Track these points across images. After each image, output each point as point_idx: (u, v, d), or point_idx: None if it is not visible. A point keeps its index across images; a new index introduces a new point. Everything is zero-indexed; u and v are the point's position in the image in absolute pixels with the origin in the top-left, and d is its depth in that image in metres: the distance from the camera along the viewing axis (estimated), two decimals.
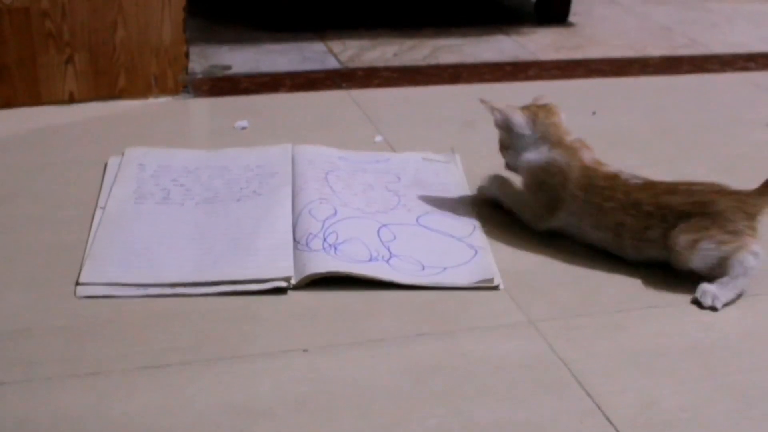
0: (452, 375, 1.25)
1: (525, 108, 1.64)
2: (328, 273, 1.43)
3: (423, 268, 1.48)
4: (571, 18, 2.78)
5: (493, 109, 1.62)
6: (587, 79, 2.36)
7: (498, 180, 1.68)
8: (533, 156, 1.59)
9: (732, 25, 2.90)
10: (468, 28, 2.68)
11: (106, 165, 1.76)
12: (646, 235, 1.48)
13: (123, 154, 1.79)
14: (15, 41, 1.97)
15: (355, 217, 1.60)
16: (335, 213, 1.60)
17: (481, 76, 2.31)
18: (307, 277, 1.42)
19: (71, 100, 2.04)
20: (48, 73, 2.01)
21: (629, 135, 2.03)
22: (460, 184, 1.76)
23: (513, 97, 2.17)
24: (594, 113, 2.12)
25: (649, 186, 1.51)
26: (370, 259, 1.48)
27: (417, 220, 1.62)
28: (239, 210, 1.61)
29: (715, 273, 1.43)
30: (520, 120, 1.61)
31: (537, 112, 1.62)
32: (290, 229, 1.55)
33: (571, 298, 1.43)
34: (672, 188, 1.50)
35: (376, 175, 1.77)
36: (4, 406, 1.15)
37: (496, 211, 1.67)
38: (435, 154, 1.86)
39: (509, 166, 1.65)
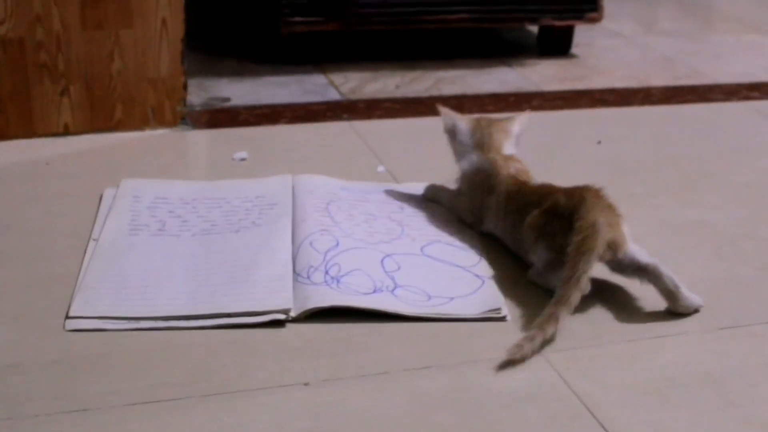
0: (459, 409, 1.19)
1: (473, 118, 1.70)
2: (330, 306, 1.38)
3: (429, 298, 1.43)
4: (574, 50, 2.75)
5: (444, 115, 1.69)
6: (591, 109, 2.32)
7: (435, 187, 1.75)
8: (466, 162, 1.66)
9: (734, 56, 2.86)
10: (470, 60, 2.65)
11: (101, 197, 1.71)
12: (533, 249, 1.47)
13: (118, 186, 1.75)
14: (8, 72, 1.93)
15: (357, 248, 1.55)
16: (337, 244, 1.54)
17: (484, 106, 2.27)
18: (308, 310, 1.37)
19: (66, 132, 1.99)
20: (42, 104, 1.97)
21: (635, 164, 1.99)
22: None
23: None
24: (599, 143, 2.08)
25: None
26: (374, 291, 1.43)
27: (421, 249, 1.57)
28: (237, 241, 1.56)
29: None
30: (462, 127, 1.67)
31: (480, 121, 1.68)
32: (290, 261, 1.50)
33: (580, 328, 1.37)
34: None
35: (379, 205, 1.72)
36: None
37: (495, 240, 1.62)
38: (439, 185, 1.81)
39: None
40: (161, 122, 2.05)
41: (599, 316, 1.41)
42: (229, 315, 1.36)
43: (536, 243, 1.47)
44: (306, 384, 1.23)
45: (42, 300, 1.40)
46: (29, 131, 1.97)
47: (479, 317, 1.39)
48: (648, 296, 1.45)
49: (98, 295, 1.39)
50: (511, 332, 1.35)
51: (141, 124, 2.04)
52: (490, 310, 1.40)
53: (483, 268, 1.52)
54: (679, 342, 1.35)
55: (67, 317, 1.34)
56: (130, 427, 1.13)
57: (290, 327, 1.35)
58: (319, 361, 1.28)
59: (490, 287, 1.46)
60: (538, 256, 1.46)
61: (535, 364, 1.29)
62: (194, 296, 1.40)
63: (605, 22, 3.01)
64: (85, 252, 1.52)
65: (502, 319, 1.39)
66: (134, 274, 1.45)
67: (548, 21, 2.60)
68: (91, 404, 1.17)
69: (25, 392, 1.19)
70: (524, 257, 1.52)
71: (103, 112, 2.01)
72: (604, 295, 1.46)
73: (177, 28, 2.00)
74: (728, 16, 3.43)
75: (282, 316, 1.36)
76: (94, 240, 1.56)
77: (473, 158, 1.64)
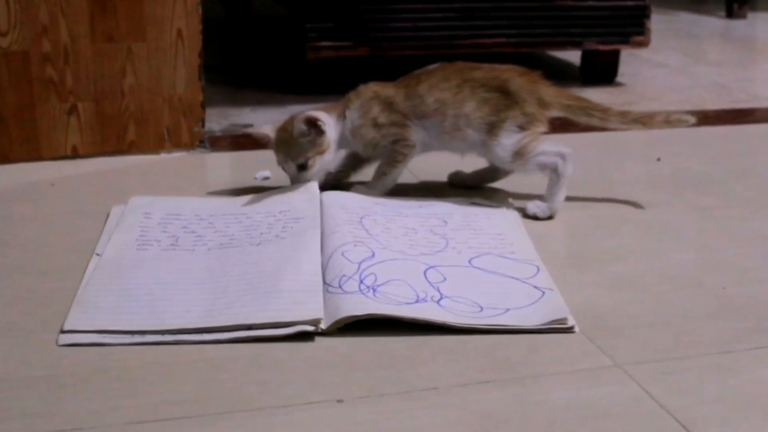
0: (527, 425, 0.98)
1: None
2: (367, 315, 1.18)
3: (481, 309, 1.22)
4: (619, 79, 2.58)
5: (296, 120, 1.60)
6: (645, 131, 2.12)
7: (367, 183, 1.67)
8: (350, 122, 1.63)
9: None
10: None
11: (108, 215, 1.54)
12: (464, 109, 1.58)
13: (127, 204, 1.57)
14: (12, 88, 1.76)
15: (396, 259, 1.35)
16: (373, 255, 1.35)
17: None
18: (341, 320, 1.17)
19: (75, 154, 1.82)
20: (49, 124, 1.80)
21: (702, 178, 1.79)
22: (517, 227, 1.52)
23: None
24: (659, 159, 1.89)
25: (453, 67, 1.62)
26: (417, 300, 1.23)
27: (470, 261, 1.37)
28: (258, 254, 1.37)
29: (515, 163, 1.59)
30: (326, 118, 1.61)
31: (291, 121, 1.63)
32: (319, 271, 1.30)
33: (663, 339, 1.17)
34: (476, 66, 1.63)
35: (419, 219, 1.53)
36: None
37: (558, 254, 1.43)
38: (485, 200, 1.63)
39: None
40: (177, 144, 1.88)
41: (682, 327, 1.20)
42: (249, 327, 1.16)
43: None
44: (339, 401, 1.03)
45: (35, 314, 1.21)
46: (34, 154, 1.79)
47: (542, 328, 1.19)
48: (735, 307, 1.25)
49: (98, 309, 1.20)
50: (579, 344, 1.15)
51: (155, 146, 1.86)
52: (554, 320, 1.19)
53: (543, 279, 1.32)
54: None
55: (62, 332, 1.16)
56: None
57: (320, 341, 1.16)
58: (355, 377, 1.08)
59: (552, 298, 1.26)
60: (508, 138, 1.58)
61: (612, 376, 1.08)
62: (209, 308, 1.20)
63: (650, 54, 2.85)
64: (86, 267, 1.34)
65: (570, 330, 1.18)
66: (141, 288, 1.26)
67: (592, 45, 2.43)
68: (83, 423, 0.97)
69: (8, 411, 1.00)
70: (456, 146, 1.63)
71: (114, 133, 1.84)
72: (684, 307, 1.26)
73: (194, 40, 1.84)
74: None
75: (311, 328, 1.16)
76: (97, 255, 1.38)
77: (352, 115, 1.63)
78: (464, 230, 1.49)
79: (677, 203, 1.66)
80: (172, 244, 1.42)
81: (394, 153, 1.62)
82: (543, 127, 1.61)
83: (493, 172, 1.69)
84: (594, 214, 1.60)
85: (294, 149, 1.60)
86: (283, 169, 1.63)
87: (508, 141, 1.58)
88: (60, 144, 1.81)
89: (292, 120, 1.62)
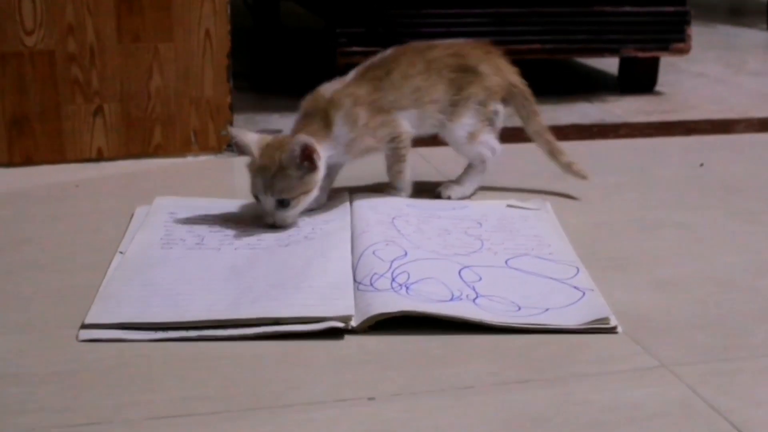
0: (573, 425, 0.92)
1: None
2: (399, 312, 1.12)
3: (519, 309, 1.17)
4: (658, 88, 2.51)
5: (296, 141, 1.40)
6: (686, 137, 2.07)
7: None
8: (342, 139, 1.47)
9: None
10: (543, 97, 2.41)
11: (132, 216, 1.49)
12: (437, 94, 1.54)
13: (152, 204, 1.53)
14: (37, 89, 1.72)
15: (429, 259, 1.30)
16: (405, 254, 1.30)
17: (566, 135, 2.04)
18: (373, 317, 1.12)
19: (99, 157, 1.78)
20: (74, 126, 1.76)
21: (746, 183, 1.72)
22: (554, 229, 1.46)
23: (601, 156, 1.91)
24: (701, 165, 1.82)
25: (410, 49, 1.58)
26: (452, 299, 1.18)
27: (506, 262, 1.32)
28: (287, 254, 1.32)
29: (466, 145, 1.58)
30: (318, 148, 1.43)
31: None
32: (349, 270, 1.25)
33: (711, 341, 1.11)
34: (432, 44, 1.60)
35: (453, 221, 1.47)
36: None
37: (598, 255, 1.36)
38: (521, 202, 1.57)
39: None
40: (204, 147, 1.83)
41: (732, 328, 1.14)
42: (277, 321, 1.11)
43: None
44: (371, 399, 0.97)
45: (55, 311, 1.16)
46: (58, 156, 1.76)
47: (583, 328, 1.13)
48: None
49: (120, 304, 1.15)
50: (623, 345, 1.09)
51: (182, 149, 1.82)
52: (595, 320, 1.13)
53: (582, 280, 1.25)
54: None
55: (83, 326, 1.11)
56: None
57: (349, 339, 1.10)
58: (387, 375, 1.03)
59: (593, 298, 1.20)
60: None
61: (659, 377, 1.02)
62: (235, 303, 1.15)
63: (689, 65, 2.79)
64: (109, 265, 1.29)
65: (613, 330, 1.12)
66: (164, 284, 1.21)
67: (630, 52, 2.36)
68: (102, 418, 0.93)
69: (20, 404, 0.95)
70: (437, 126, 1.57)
71: (140, 136, 1.80)
72: (733, 308, 1.20)
73: (222, 41, 1.80)
74: None
75: (341, 325, 1.10)
76: (120, 253, 1.33)
77: (341, 131, 1.47)
78: (500, 232, 1.43)
79: (721, 207, 1.59)
80: (197, 243, 1.37)
81: (396, 150, 1.54)
82: (498, 102, 1.60)
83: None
84: (635, 217, 1.54)
85: (279, 181, 1.38)
86: (256, 198, 1.41)
87: (468, 121, 1.56)
88: (85, 146, 1.77)
89: (282, 142, 1.41)
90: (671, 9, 2.37)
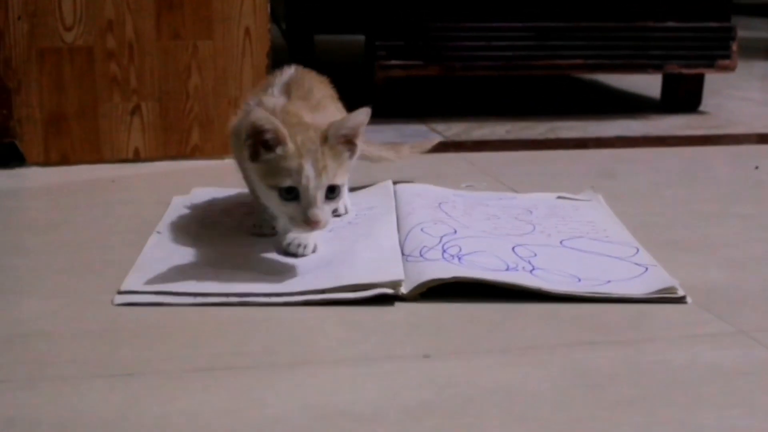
0: (648, 382, 0.85)
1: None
2: (453, 279, 1.06)
3: (579, 281, 1.10)
4: (702, 108, 2.45)
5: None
6: (736, 146, 2.00)
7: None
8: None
9: None
10: (584, 114, 2.36)
11: (169, 205, 1.44)
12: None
13: (189, 193, 1.48)
14: (75, 86, 1.69)
15: (480, 237, 1.24)
16: (455, 231, 1.24)
17: (611, 144, 1.98)
18: (425, 283, 1.05)
19: (136, 157, 1.74)
20: (111, 125, 1.72)
21: None
22: (608, 216, 1.39)
23: (647, 161, 1.85)
24: (756, 168, 1.75)
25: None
26: (508, 269, 1.11)
27: (561, 243, 1.25)
28: (331, 236, 1.26)
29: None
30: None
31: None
32: (397, 245, 1.19)
33: None
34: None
35: (502, 208, 1.41)
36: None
37: (659, 240, 1.29)
38: (571, 194, 1.50)
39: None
40: None
41: None
42: (322, 291, 1.05)
43: None
44: (426, 356, 0.91)
45: (90, 281, 1.10)
46: (95, 155, 1.71)
47: (650, 297, 1.06)
48: None
49: (158, 273, 1.10)
50: (694, 313, 1.02)
51: (220, 150, 1.77)
52: (662, 290, 1.06)
53: (643, 257, 1.18)
54: None
55: (119, 292, 1.05)
56: (185, 392, 0.82)
57: (400, 306, 1.04)
58: (442, 336, 0.96)
59: (656, 272, 1.13)
60: None
61: (736, 340, 0.95)
62: (279, 277, 1.09)
63: (730, 90, 2.73)
64: (146, 243, 1.24)
65: (682, 300, 1.05)
66: (204, 259, 1.16)
67: (674, 68, 2.30)
68: (135, 370, 0.86)
69: (52, 357, 0.89)
70: None
71: (178, 136, 1.75)
72: None
73: (262, 39, 1.76)
74: None
75: (390, 291, 1.04)
76: (158, 233, 1.28)
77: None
78: (551, 218, 1.37)
79: None
80: (235, 227, 1.32)
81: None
82: None
83: None
84: (692, 209, 1.47)
85: (334, 160, 1.12)
86: (300, 185, 1.09)
87: None
88: (122, 145, 1.73)
89: (302, 124, 1.15)
90: (716, 24, 2.31)
